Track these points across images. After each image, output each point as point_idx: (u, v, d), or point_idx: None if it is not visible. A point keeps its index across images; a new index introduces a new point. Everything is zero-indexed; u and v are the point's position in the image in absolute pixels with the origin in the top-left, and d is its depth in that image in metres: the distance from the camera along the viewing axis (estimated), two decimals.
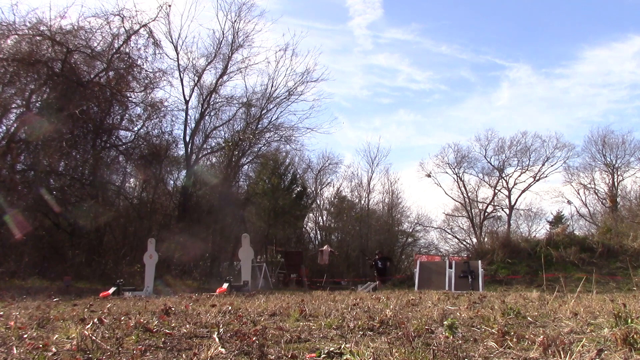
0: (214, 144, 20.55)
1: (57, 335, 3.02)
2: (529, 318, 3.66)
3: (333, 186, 28.71)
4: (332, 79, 31.61)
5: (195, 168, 19.01)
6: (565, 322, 3.40)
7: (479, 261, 13.58)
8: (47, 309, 5.25)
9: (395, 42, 48.97)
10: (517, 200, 28.63)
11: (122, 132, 17.58)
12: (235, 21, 19.15)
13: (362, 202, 27.59)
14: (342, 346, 2.58)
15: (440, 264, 15.97)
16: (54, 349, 2.62)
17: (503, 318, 3.66)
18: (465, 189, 29.27)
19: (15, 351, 2.57)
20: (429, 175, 29.25)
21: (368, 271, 23.15)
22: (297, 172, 26.29)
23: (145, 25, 16.20)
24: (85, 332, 2.78)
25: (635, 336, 2.45)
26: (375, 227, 26.79)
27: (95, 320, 3.56)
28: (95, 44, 15.67)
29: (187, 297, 7.15)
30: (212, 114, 20.03)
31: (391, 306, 4.86)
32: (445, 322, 3.14)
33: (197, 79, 19.30)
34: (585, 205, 28.47)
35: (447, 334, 2.96)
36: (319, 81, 20.85)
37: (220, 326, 3.26)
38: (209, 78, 19.96)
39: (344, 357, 2.41)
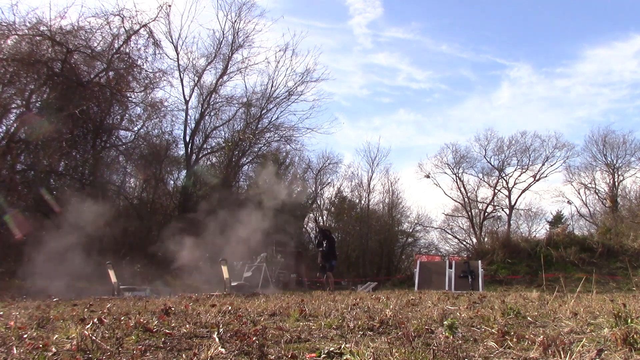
0: (214, 144, 20.61)
1: (57, 335, 3.02)
2: (529, 318, 3.66)
3: (333, 186, 28.68)
4: (332, 78, 31.74)
5: (195, 168, 19.02)
6: (565, 322, 3.40)
7: (479, 261, 13.60)
8: (47, 309, 5.24)
9: (396, 41, 48.87)
10: (517, 200, 28.62)
11: (122, 132, 17.63)
12: (235, 21, 19.21)
13: (362, 202, 27.59)
14: (342, 346, 2.58)
15: (440, 264, 15.98)
16: (54, 349, 2.62)
17: (503, 318, 3.66)
18: (465, 189, 29.26)
19: (15, 351, 2.57)
20: (427, 176, 29.22)
21: (368, 271, 23.16)
22: (297, 172, 26.31)
23: (145, 25, 16.23)
24: (85, 332, 2.78)
25: (635, 336, 2.45)
26: (376, 227, 26.76)
27: (95, 320, 3.56)
28: (95, 44, 15.71)
29: (187, 297, 7.15)
30: (212, 114, 20.09)
31: (391, 306, 4.86)
32: (445, 322, 3.14)
33: (197, 79, 19.35)
34: (586, 205, 28.46)
35: (447, 334, 2.96)
36: (319, 81, 20.94)
37: (220, 326, 3.26)
38: (209, 78, 20.01)
39: (344, 357, 2.41)
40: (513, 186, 28.64)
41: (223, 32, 19.18)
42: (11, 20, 13.67)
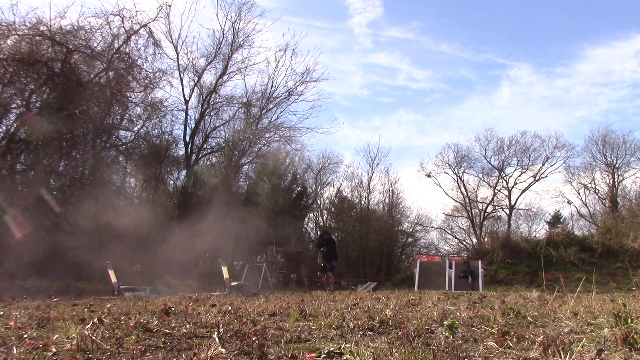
0: (214, 144, 20.61)
1: (57, 335, 3.02)
2: (529, 318, 3.66)
3: (333, 186, 28.67)
4: (332, 78, 31.75)
5: (195, 168, 19.02)
6: (565, 322, 3.40)
7: (479, 261, 13.61)
8: (47, 309, 5.25)
9: (396, 41, 48.82)
10: (517, 200, 28.63)
11: (122, 132, 17.63)
12: (235, 21, 19.20)
13: (362, 202, 27.58)
14: (342, 346, 2.58)
15: (440, 264, 16.00)
16: (54, 349, 2.62)
17: (503, 318, 3.66)
18: (465, 189, 29.26)
19: (15, 351, 2.57)
20: (428, 176, 29.21)
21: (368, 271, 23.15)
22: (297, 172, 26.31)
23: (145, 25, 16.22)
24: (85, 332, 2.78)
25: (635, 336, 2.45)
26: (376, 227, 26.75)
27: (95, 320, 3.56)
28: (95, 44, 15.69)
29: (187, 297, 7.15)
30: (212, 114, 20.08)
31: (391, 306, 4.86)
32: (445, 322, 3.14)
33: (197, 79, 19.34)
34: (586, 205, 28.47)
35: (447, 334, 2.96)
36: (319, 81, 20.91)
37: (220, 326, 3.26)
38: (209, 78, 20.01)
39: (344, 357, 2.41)
40: (513, 186, 28.67)
41: (223, 32, 19.20)
42: (11, 20, 13.66)
